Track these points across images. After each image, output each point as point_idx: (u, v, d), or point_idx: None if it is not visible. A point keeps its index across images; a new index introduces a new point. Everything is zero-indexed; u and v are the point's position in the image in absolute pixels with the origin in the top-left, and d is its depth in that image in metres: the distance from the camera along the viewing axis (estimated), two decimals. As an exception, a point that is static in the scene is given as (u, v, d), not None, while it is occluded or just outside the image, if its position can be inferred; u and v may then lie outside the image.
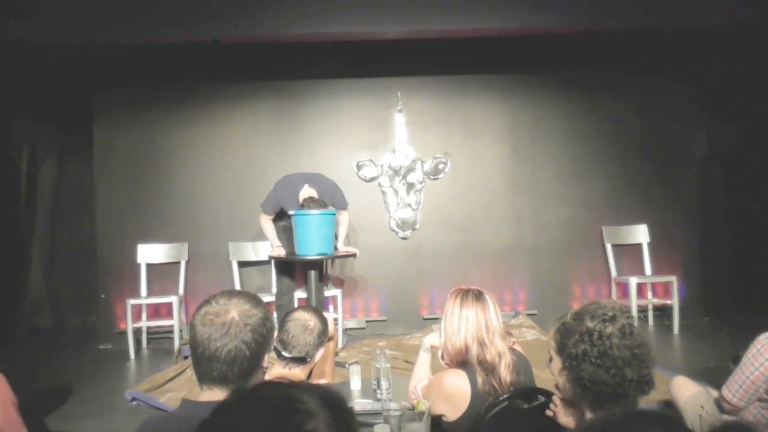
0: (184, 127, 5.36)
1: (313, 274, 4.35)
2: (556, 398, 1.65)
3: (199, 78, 5.34)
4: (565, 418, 1.62)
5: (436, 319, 3.66)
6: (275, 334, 1.48)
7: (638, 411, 1.34)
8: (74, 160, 5.88)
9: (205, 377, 1.36)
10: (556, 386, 1.57)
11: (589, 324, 1.43)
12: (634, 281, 4.97)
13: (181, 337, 4.67)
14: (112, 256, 5.22)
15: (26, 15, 4.30)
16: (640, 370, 1.41)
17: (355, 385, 2.96)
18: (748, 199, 5.39)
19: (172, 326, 4.79)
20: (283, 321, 2.27)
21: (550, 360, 1.55)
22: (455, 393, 1.97)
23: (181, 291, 5.11)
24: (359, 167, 5.36)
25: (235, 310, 1.37)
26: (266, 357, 1.42)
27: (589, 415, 1.46)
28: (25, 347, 5.25)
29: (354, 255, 4.58)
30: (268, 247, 4.72)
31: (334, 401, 0.81)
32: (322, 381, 2.48)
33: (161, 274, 5.21)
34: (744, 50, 5.16)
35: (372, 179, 5.38)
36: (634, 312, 4.93)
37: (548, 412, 1.67)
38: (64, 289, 5.89)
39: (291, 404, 0.77)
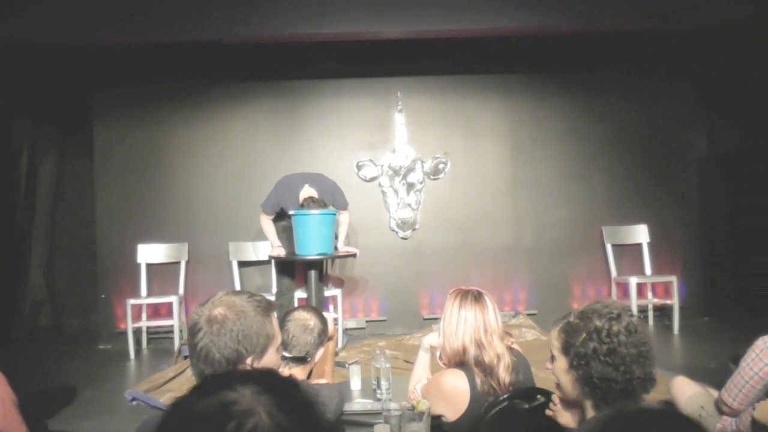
0: (184, 127, 5.36)
1: (313, 274, 4.35)
2: (555, 398, 1.65)
3: (199, 78, 5.34)
4: (565, 418, 1.62)
5: (436, 319, 3.66)
6: (277, 340, 1.43)
7: (639, 408, 1.34)
8: (74, 160, 5.87)
9: (192, 372, 1.35)
10: (557, 386, 1.57)
11: (597, 322, 1.44)
12: (634, 281, 4.97)
13: (181, 337, 4.67)
14: (112, 256, 5.22)
15: (26, 15, 4.30)
16: (645, 367, 1.42)
17: (355, 385, 2.96)
18: (748, 200, 5.38)
19: (172, 326, 4.79)
20: (283, 321, 2.27)
21: (552, 360, 1.55)
22: (454, 393, 1.97)
23: (181, 291, 5.11)
24: (359, 167, 5.36)
25: (219, 310, 1.33)
26: (254, 362, 1.34)
27: (591, 413, 1.46)
28: (25, 347, 5.24)
29: (354, 255, 4.58)
30: (268, 247, 4.72)
31: (274, 383, 0.77)
32: (322, 381, 2.48)
33: (161, 274, 5.21)
34: (744, 50, 5.15)
35: (372, 179, 5.38)
36: (634, 312, 4.92)
37: (548, 412, 1.68)
38: (64, 289, 5.88)
39: (223, 412, 0.72)
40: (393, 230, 5.38)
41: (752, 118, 5.31)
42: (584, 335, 1.44)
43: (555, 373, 1.55)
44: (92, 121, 5.30)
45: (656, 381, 1.45)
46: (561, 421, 1.63)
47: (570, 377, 1.48)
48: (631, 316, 1.48)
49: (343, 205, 4.55)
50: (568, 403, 1.59)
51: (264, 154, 5.36)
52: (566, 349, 1.49)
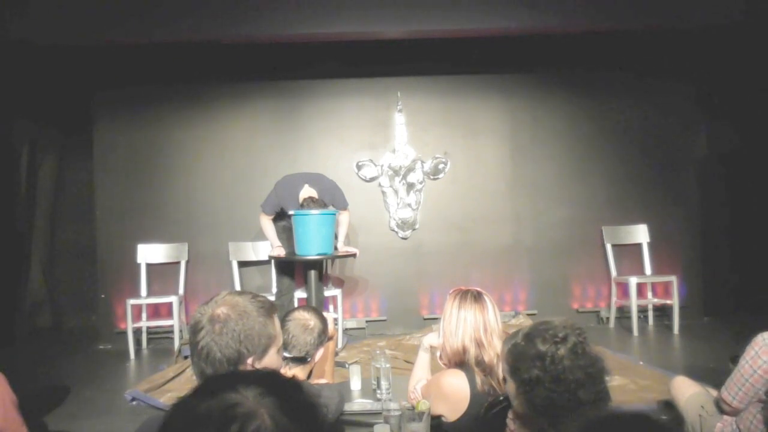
0: (184, 127, 5.36)
1: (313, 274, 4.35)
2: (510, 421, 1.61)
3: (199, 78, 5.34)
4: None
5: (436, 319, 3.66)
6: (278, 341, 1.43)
7: (606, 416, 1.32)
8: (74, 160, 5.88)
9: (193, 371, 1.35)
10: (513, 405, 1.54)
11: (541, 347, 1.40)
12: (634, 281, 4.97)
13: (181, 337, 4.67)
14: (112, 256, 5.22)
15: (26, 15, 4.30)
16: (594, 388, 1.38)
17: (355, 385, 2.97)
18: (748, 199, 5.39)
19: (172, 326, 4.79)
20: (283, 321, 2.27)
21: (505, 381, 1.53)
22: (454, 393, 1.97)
23: (181, 291, 5.11)
24: (359, 167, 5.36)
25: (222, 309, 1.33)
26: (256, 363, 1.35)
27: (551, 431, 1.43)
28: (25, 347, 5.25)
29: (354, 255, 4.58)
30: (268, 247, 4.72)
31: (278, 385, 0.77)
32: (322, 381, 2.48)
33: (161, 274, 5.21)
34: (744, 50, 5.16)
35: (372, 179, 5.38)
36: (634, 312, 4.94)
37: None
38: (64, 289, 5.89)
39: (226, 414, 0.71)
40: (393, 230, 5.38)
41: (752, 118, 5.31)
42: (529, 361, 1.41)
43: (508, 393, 1.52)
44: (92, 121, 5.30)
45: (609, 397, 1.41)
46: None
47: (520, 399, 1.46)
48: (579, 335, 1.43)
49: (343, 205, 4.56)
50: (526, 422, 1.54)
51: (264, 154, 5.36)
52: (513, 373, 1.46)
